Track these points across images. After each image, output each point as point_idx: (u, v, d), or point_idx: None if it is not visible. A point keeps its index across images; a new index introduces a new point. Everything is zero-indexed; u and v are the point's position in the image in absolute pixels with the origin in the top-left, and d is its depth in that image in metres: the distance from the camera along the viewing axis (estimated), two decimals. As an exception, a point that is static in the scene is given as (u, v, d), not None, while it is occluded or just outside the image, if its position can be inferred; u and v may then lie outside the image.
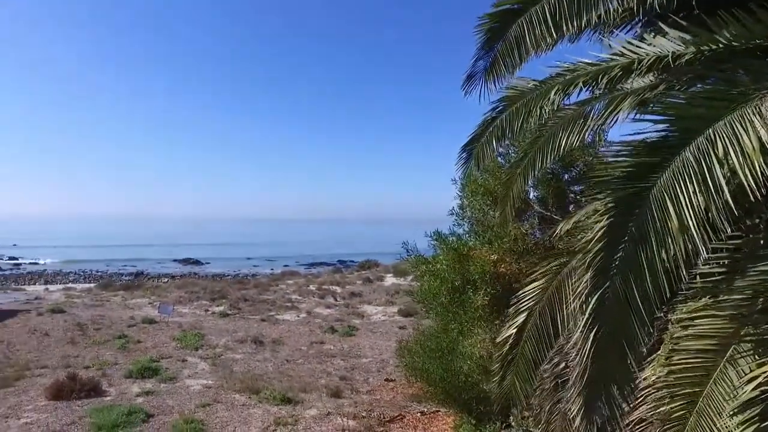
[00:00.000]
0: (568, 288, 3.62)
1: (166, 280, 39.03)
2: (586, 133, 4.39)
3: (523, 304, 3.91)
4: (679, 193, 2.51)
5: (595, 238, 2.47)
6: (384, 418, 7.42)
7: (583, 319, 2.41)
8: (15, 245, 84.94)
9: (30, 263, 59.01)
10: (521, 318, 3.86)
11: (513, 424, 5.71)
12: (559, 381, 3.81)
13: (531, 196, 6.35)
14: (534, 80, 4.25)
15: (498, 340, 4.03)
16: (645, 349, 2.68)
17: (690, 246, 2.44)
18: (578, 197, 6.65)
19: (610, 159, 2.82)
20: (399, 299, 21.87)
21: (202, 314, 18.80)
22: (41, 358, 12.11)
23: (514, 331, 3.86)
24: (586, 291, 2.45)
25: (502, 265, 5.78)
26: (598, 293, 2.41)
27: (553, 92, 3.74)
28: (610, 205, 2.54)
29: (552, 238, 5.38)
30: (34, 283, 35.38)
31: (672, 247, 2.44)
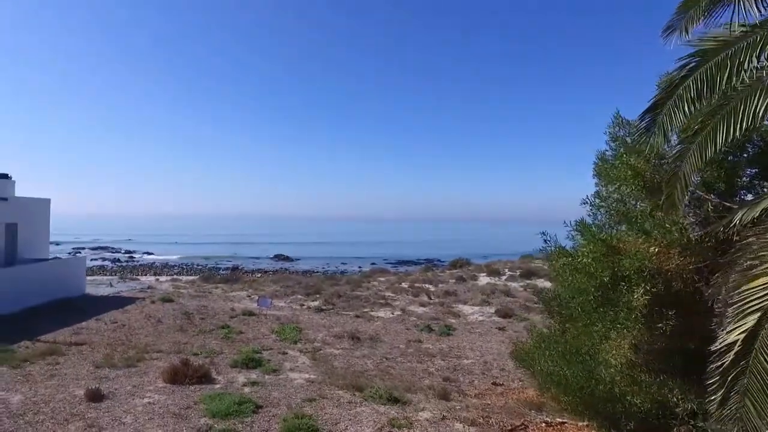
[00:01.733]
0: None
1: (259, 274, 40.85)
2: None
3: (751, 304, 3.10)
4: None
5: None
6: (505, 426, 6.76)
7: None
8: (130, 240, 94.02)
9: (142, 255, 64.73)
10: (750, 321, 3.05)
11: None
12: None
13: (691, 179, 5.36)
14: (743, 25, 3.41)
15: (715, 347, 3.25)
16: None
17: None
18: (753, 181, 5.59)
19: None
20: (495, 299, 20.93)
21: (298, 308, 19.10)
22: (156, 343, 12.77)
23: (741, 336, 3.07)
24: None
25: (664, 259, 4.90)
26: None
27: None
28: None
29: (728, 228, 4.44)
30: (146, 275, 38.43)
31: None
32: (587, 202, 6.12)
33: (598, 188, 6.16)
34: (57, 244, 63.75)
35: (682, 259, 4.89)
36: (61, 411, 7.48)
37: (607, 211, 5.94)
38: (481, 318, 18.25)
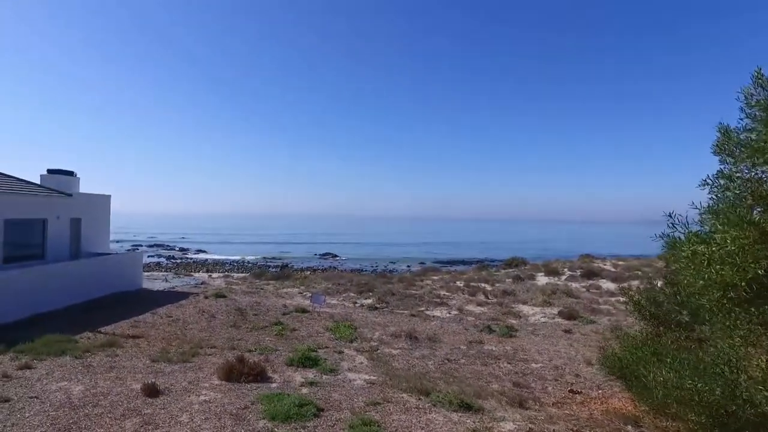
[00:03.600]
0: None
1: (309, 272, 40.87)
2: None
3: None
4: None
5: None
6: (604, 444, 5.88)
7: None
8: (184, 238, 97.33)
9: (196, 253, 66.55)
10: None
11: None
12: None
13: None
14: None
15: None
16: None
17: None
18: None
19: None
20: (557, 300, 19.70)
21: (351, 306, 18.61)
22: (210, 338, 12.54)
23: None
24: None
25: None
26: None
27: None
28: None
29: None
30: (199, 271, 39.28)
31: None
32: (708, 183, 5.10)
33: (722, 167, 5.15)
34: (117, 242, 66.54)
35: None
36: (119, 405, 7.19)
37: (736, 193, 4.92)
38: (543, 319, 17.15)
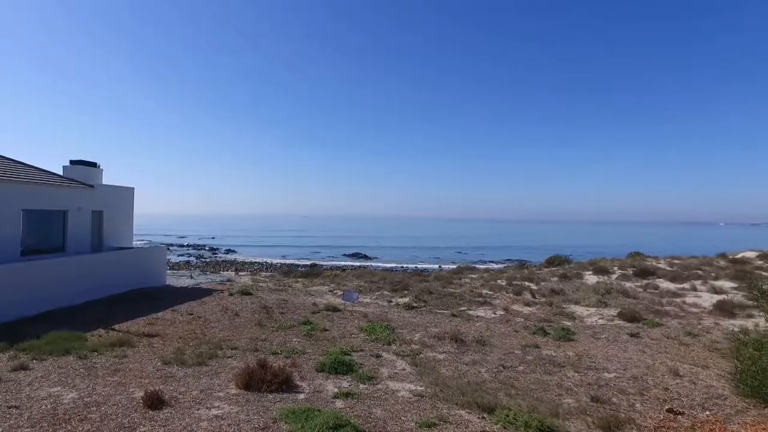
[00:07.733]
0: None
1: (338, 270, 39.58)
2: None
3: None
4: None
5: None
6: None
7: None
8: (213, 238, 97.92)
9: (225, 252, 66.22)
10: None
11: None
12: None
13: None
14: None
15: None
16: None
17: None
18: None
19: None
20: (612, 300, 17.67)
21: (385, 305, 17.06)
22: (232, 338, 11.21)
23: None
24: None
25: None
26: None
27: None
28: None
29: None
30: (227, 270, 38.42)
31: None
32: None
33: None
34: (148, 242, 66.81)
35: None
36: (111, 420, 5.84)
37: None
38: (601, 321, 15.22)
